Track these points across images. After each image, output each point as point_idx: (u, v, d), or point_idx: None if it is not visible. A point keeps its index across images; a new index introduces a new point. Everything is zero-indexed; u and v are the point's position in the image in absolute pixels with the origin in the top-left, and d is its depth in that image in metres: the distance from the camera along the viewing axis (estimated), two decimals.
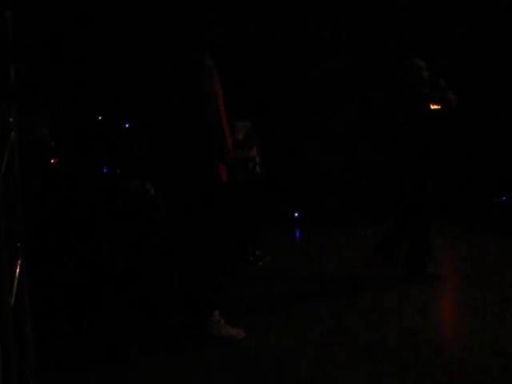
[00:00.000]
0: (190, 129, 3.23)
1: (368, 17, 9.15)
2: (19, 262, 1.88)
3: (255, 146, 5.77)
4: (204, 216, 3.21)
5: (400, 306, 3.99)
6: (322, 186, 9.34)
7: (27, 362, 1.93)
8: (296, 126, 9.41)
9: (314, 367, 2.91)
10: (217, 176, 3.23)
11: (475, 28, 8.28)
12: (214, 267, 3.30)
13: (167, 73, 3.41)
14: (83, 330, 3.68)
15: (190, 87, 3.23)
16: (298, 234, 8.16)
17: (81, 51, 8.10)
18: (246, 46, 8.75)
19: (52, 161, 6.45)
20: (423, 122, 4.71)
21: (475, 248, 5.93)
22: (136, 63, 7.77)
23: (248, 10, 8.56)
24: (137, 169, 6.94)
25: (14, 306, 1.70)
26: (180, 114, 3.27)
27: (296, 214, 9.06)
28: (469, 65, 8.31)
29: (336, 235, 7.61)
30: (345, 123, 9.41)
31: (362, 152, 9.30)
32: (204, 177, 3.20)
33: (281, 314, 3.89)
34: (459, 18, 8.33)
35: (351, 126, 9.39)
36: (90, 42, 8.14)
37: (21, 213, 1.90)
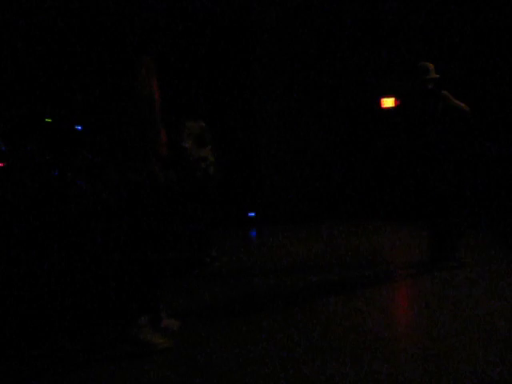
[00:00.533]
0: (126, 128, 3.21)
1: None
2: None
3: (209, 146, 5.74)
4: (136, 216, 3.18)
5: (353, 304, 4.02)
6: (279, 185, 9.37)
7: None
8: (252, 126, 9.40)
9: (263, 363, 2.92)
10: (152, 175, 3.23)
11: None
12: (147, 271, 3.25)
13: (105, 73, 3.39)
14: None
15: (124, 86, 3.22)
16: (254, 233, 8.17)
17: (26, 51, 7.87)
18: (201, 44, 8.70)
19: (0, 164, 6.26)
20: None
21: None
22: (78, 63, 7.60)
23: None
24: (88, 171, 6.80)
25: None
26: (117, 114, 3.25)
27: (252, 214, 9.07)
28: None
29: (293, 234, 7.68)
30: (307, 125, 9.48)
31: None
32: (139, 176, 3.19)
33: (225, 319, 3.86)
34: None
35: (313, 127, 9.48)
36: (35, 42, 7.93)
37: None
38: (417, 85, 5.06)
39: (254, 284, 4.82)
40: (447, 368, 2.77)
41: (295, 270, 5.26)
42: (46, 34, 7.89)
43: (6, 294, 4.48)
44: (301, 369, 2.86)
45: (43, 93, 8.05)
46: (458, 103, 4.93)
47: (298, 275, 5.03)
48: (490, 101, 7.94)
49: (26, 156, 6.84)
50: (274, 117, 9.28)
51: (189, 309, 4.07)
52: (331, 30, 9.42)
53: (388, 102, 9.15)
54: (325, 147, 9.47)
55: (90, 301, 4.15)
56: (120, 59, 3.32)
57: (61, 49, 8.00)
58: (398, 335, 3.34)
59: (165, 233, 3.39)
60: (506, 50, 7.95)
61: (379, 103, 9.19)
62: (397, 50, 8.85)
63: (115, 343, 3.27)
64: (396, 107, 9.02)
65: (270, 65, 9.23)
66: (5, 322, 3.81)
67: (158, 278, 3.34)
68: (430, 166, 5.00)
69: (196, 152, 5.62)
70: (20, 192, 6.01)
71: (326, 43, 9.46)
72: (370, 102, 9.35)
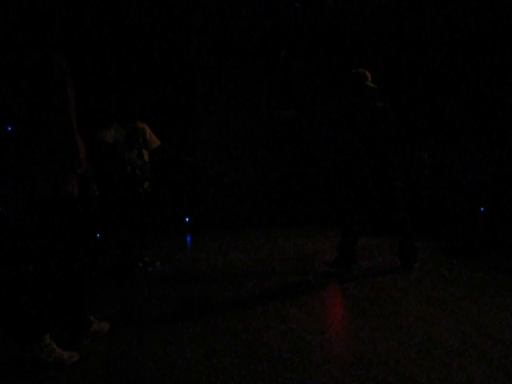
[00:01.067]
0: (34, 134, 2.89)
1: None
2: None
3: (137, 148, 5.58)
4: (40, 234, 2.90)
5: (284, 308, 4.03)
6: (214, 190, 9.32)
7: None
8: (188, 127, 9.30)
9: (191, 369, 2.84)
10: (61, 188, 2.93)
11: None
12: (55, 287, 3.02)
13: (12, 70, 3.01)
14: None
15: (35, 88, 2.88)
16: (189, 238, 8.06)
17: None
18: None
19: None
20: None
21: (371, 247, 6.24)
22: None
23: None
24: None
25: None
26: (23, 115, 2.90)
27: (187, 219, 8.96)
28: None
29: (229, 239, 7.64)
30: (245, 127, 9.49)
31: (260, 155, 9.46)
32: (44, 188, 2.89)
33: (155, 325, 3.76)
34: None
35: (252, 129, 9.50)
36: None
37: None
38: (354, 91, 5.14)
39: (186, 289, 4.72)
40: (377, 372, 2.80)
41: (229, 276, 5.20)
42: None
43: None
44: (230, 374, 2.81)
45: None
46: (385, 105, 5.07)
47: (231, 280, 4.98)
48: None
49: None
50: (212, 121, 9.25)
51: (117, 315, 3.93)
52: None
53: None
54: (261, 152, 9.52)
55: None
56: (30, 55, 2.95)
57: None
58: (331, 341, 3.36)
59: (78, 249, 3.11)
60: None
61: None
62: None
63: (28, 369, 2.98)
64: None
65: (209, 69, 9.19)
66: None
67: (78, 287, 3.15)
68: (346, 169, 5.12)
69: (122, 153, 5.47)
70: None
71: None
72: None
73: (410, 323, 3.57)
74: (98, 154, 5.33)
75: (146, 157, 5.64)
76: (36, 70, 2.88)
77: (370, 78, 5.13)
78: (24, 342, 2.97)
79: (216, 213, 9.03)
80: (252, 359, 3.02)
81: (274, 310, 4.00)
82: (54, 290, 3.03)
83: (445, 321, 3.59)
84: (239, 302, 4.28)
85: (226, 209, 9.10)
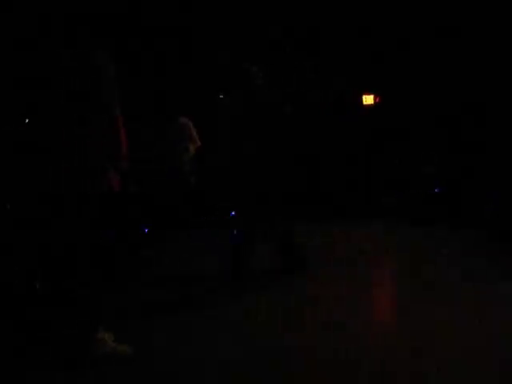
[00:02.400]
0: (84, 134, 2.94)
1: None
2: None
3: (185, 143, 5.67)
4: (83, 227, 2.93)
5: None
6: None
7: None
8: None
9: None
10: (106, 185, 2.97)
11: None
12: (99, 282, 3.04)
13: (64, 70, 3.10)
14: None
15: (84, 89, 2.93)
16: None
17: None
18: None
19: None
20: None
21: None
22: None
23: None
24: None
25: None
26: (74, 116, 2.96)
27: (232, 213, 8.92)
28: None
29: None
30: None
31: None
32: (90, 185, 2.94)
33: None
34: None
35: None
36: None
37: None
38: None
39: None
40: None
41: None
42: None
43: None
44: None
45: None
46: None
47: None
48: None
49: None
50: None
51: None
52: None
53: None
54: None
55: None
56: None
57: None
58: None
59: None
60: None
61: None
62: None
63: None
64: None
65: None
66: None
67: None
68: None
69: (172, 149, 5.57)
70: None
71: None
72: None
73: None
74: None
75: (193, 151, 5.71)
76: (86, 71, 2.98)
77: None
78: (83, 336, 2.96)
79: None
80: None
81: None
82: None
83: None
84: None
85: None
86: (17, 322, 3.54)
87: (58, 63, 2.99)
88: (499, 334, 3.07)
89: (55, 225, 3.02)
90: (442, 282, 4.34)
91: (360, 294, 4.15)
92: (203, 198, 6.72)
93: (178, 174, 5.70)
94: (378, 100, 8.77)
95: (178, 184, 5.71)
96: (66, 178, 2.94)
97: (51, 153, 2.99)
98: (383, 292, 4.57)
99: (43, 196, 3.01)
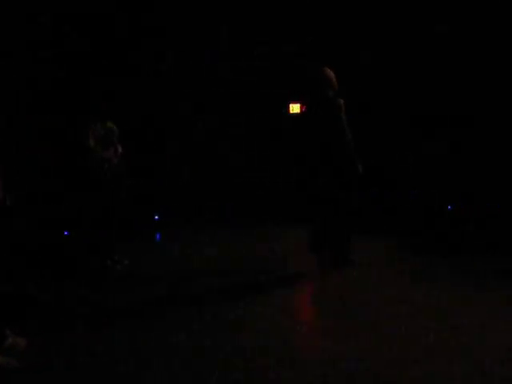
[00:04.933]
0: None
1: None
2: None
3: (114, 147, 5.64)
4: None
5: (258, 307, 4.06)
6: (184, 188, 9.30)
7: None
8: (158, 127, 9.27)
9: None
10: None
11: None
12: None
13: None
14: None
15: None
16: (158, 236, 8.01)
17: None
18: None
19: None
20: None
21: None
22: None
23: None
24: None
25: None
26: None
27: (156, 217, 8.90)
28: None
29: (197, 237, 7.62)
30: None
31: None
32: None
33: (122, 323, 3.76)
34: None
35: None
36: None
37: None
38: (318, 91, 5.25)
39: (153, 288, 4.71)
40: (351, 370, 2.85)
41: (195, 274, 5.22)
42: None
43: None
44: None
45: None
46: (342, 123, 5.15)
47: (197, 279, 5.00)
48: None
49: None
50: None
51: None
52: None
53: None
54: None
55: None
56: None
57: None
58: (301, 339, 3.41)
59: None
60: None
61: None
62: None
63: None
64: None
65: None
66: None
67: None
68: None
69: (100, 153, 5.53)
70: None
71: None
72: None
73: (381, 321, 3.64)
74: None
75: (121, 155, 5.73)
76: None
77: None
78: None
79: (185, 211, 9.00)
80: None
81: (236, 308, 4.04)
82: None
83: (415, 318, 3.68)
84: (206, 300, 4.28)
85: (195, 208, 9.09)
86: None
87: None
88: None
89: None
90: None
91: None
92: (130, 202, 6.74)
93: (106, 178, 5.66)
94: (304, 109, 9.08)
95: (107, 188, 5.67)
96: None
97: None
98: None
99: None
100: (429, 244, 6.57)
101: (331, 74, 5.28)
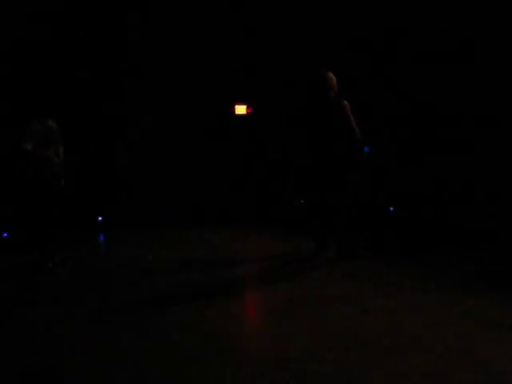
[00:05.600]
0: None
1: None
2: None
3: (54, 146, 5.53)
4: None
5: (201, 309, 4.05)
6: (128, 189, 9.18)
7: None
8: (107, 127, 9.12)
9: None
10: None
11: None
12: None
13: None
14: None
15: None
16: (102, 238, 7.86)
17: None
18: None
19: None
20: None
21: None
22: None
23: None
24: None
25: None
26: None
27: (100, 218, 8.74)
28: None
29: (145, 239, 7.52)
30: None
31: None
32: None
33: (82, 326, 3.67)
34: None
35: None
36: None
37: None
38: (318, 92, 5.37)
39: (98, 291, 4.61)
40: (300, 372, 2.88)
41: (145, 276, 5.15)
42: None
43: None
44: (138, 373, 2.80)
45: None
46: (351, 121, 5.29)
47: (145, 281, 4.94)
48: None
49: None
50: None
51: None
52: None
53: None
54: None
55: None
56: None
57: None
58: (249, 341, 3.41)
59: None
60: None
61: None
62: None
63: None
64: None
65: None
66: None
67: None
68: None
69: (40, 152, 5.40)
70: None
71: None
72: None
73: (332, 323, 3.66)
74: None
75: (62, 154, 5.67)
76: None
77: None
78: None
79: (133, 213, 8.88)
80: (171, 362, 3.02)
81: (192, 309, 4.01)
82: None
83: (366, 320, 3.71)
84: (155, 302, 4.24)
85: (144, 209, 8.99)
86: None
87: None
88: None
89: None
90: None
91: None
92: (72, 201, 6.67)
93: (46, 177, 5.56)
94: (249, 111, 9.14)
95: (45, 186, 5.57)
96: None
97: None
98: None
99: None
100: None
101: (331, 75, 5.39)
